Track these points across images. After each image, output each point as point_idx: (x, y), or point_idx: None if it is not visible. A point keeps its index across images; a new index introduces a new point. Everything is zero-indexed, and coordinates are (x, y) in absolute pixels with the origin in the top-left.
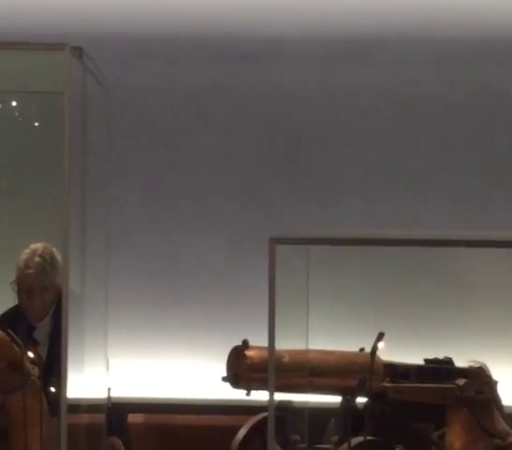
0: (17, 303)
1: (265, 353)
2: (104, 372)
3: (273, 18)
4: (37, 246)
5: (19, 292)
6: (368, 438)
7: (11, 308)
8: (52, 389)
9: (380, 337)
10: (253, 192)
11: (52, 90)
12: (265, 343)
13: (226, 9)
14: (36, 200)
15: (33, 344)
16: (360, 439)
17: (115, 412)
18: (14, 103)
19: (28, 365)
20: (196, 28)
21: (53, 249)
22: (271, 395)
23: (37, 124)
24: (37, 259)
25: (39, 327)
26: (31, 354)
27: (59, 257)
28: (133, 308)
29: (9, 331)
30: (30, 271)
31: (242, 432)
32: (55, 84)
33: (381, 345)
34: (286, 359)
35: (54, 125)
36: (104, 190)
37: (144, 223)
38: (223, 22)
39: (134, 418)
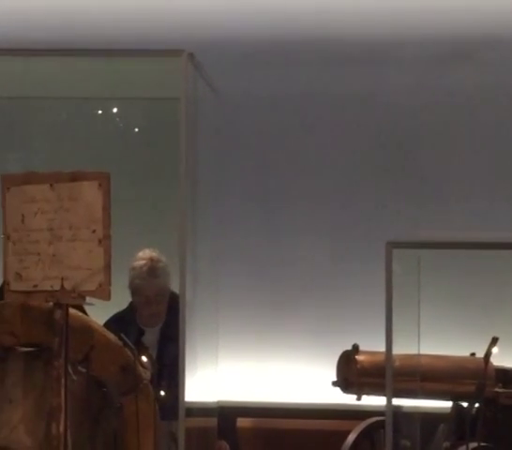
0: (125, 307)
1: (375, 358)
2: (215, 376)
3: (377, 21)
4: (149, 252)
5: (136, 299)
6: (482, 444)
7: (120, 312)
8: (162, 393)
9: (494, 341)
10: (358, 196)
11: (163, 96)
12: (375, 348)
13: (330, 12)
14: (141, 204)
15: (144, 348)
16: (474, 445)
17: (224, 416)
18: (115, 110)
19: (140, 369)
20: (301, 31)
21: (161, 255)
22: (388, 400)
23: (145, 129)
24: (160, 264)
25: (149, 331)
26: (144, 358)
27: (167, 263)
28: (241, 312)
29: (122, 335)
30: (155, 279)
31: (351, 437)
32: (164, 90)
33: (495, 350)
34: (397, 364)
35: (159, 130)
36: (212, 194)
37: (249, 226)
38: (328, 25)
39: (242, 422)
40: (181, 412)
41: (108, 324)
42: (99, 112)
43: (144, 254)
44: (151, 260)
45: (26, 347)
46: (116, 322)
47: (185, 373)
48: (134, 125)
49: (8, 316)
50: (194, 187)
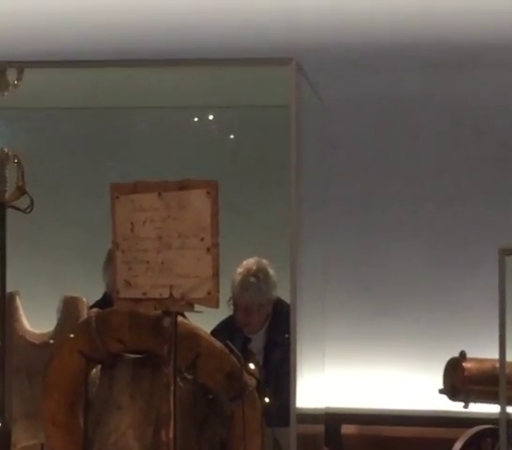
0: (231, 313)
1: (483, 365)
2: (322, 382)
3: (483, 24)
4: (251, 262)
5: (235, 309)
6: None
7: (226, 319)
8: (267, 399)
9: None
10: (467, 201)
11: (267, 104)
12: (482, 355)
13: (436, 17)
14: (248, 212)
15: (251, 355)
16: None
17: (329, 423)
18: (211, 117)
19: (246, 376)
20: (402, 36)
21: (265, 263)
22: (502, 407)
23: (251, 137)
24: (251, 279)
25: (255, 339)
26: (252, 366)
27: (272, 270)
28: (346, 318)
29: (228, 342)
30: (246, 292)
31: (457, 446)
32: (268, 97)
33: None
34: (508, 371)
35: (265, 137)
36: (317, 200)
37: (352, 231)
38: (432, 30)
39: (347, 429)
40: (292, 419)
41: (215, 331)
42: (206, 120)
43: (246, 264)
44: (247, 271)
45: (134, 354)
46: (223, 329)
47: (296, 379)
48: (240, 132)
49: (117, 323)
50: (301, 193)
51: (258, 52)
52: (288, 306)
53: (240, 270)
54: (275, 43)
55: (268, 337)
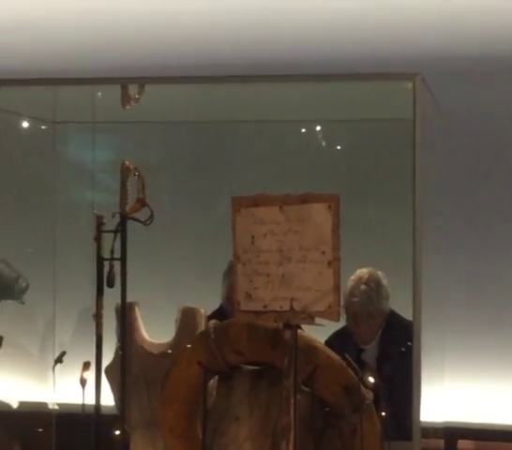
0: (344, 324)
1: None
2: (441, 396)
3: None
4: (364, 272)
5: (347, 318)
6: None
7: (339, 330)
8: (383, 413)
9: None
10: None
11: (387, 117)
12: None
13: None
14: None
15: (368, 368)
16: None
17: (446, 438)
18: (329, 130)
19: (363, 389)
20: None
21: (379, 274)
22: None
23: (371, 151)
24: (362, 287)
25: (367, 350)
26: (371, 379)
27: (385, 281)
28: (465, 332)
29: (346, 355)
30: (355, 299)
31: None
32: (387, 111)
33: None
34: None
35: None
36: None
37: (473, 244)
38: None
39: (464, 444)
40: (415, 433)
41: (329, 341)
42: (324, 133)
43: (359, 273)
44: (359, 279)
45: (251, 365)
46: (337, 339)
47: (420, 393)
48: (360, 146)
49: (235, 335)
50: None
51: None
52: (402, 318)
53: (352, 278)
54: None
55: (381, 349)
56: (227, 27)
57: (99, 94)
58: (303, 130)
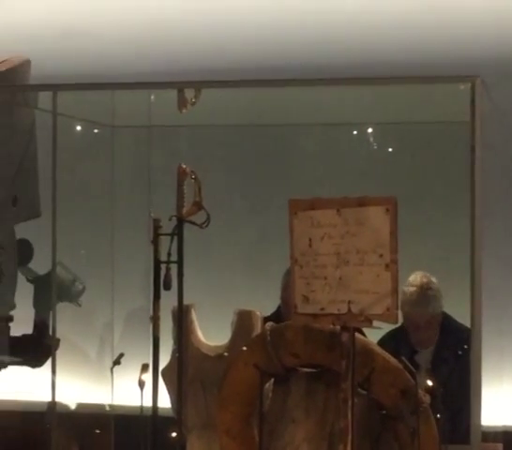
0: (397, 325)
1: None
2: (499, 399)
3: None
4: (421, 275)
5: (406, 324)
6: None
7: (392, 331)
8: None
9: None
10: None
11: (445, 119)
12: None
13: None
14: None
15: (426, 371)
16: None
17: (505, 441)
18: (370, 130)
19: (421, 392)
20: None
21: (434, 278)
22: None
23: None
24: (429, 292)
25: (421, 352)
26: (429, 382)
27: (439, 285)
28: None
29: (403, 358)
30: (416, 308)
31: None
32: (444, 113)
33: None
34: None
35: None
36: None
37: None
38: None
39: None
40: (475, 437)
41: (382, 342)
42: (380, 136)
43: (415, 280)
44: (421, 287)
45: (308, 368)
46: (390, 341)
47: (480, 396)
48: (417, 148)
49: (291, 337)
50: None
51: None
52: (455, 321)
53: (410, 281)
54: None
55: (436, 352)
56: (284, 30)
57: (152, 97)
58: (354, 132)
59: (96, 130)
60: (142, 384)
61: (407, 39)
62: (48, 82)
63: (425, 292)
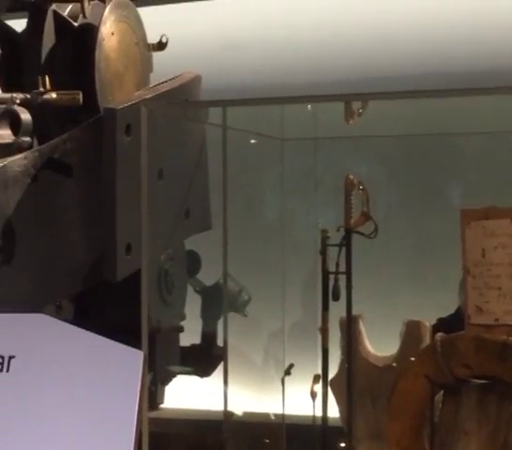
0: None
1: None
2: None
3: None
4: None
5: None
6: None
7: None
8: None
9: None
10: None
11: None
12: None
13: None
14: None
15: None
16: None
17: None
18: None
19: None
20: None
21: None
22: None
23: None
24: None
25: None
26: None
27: None
28: None
29: None
30: None
31: None
32: None
33: None
34: None
35: None
36: None
37: None
38: None
39: None
40: None
41: None
42: None
43: None
44: None
45: (480, 379)
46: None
47: None
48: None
49: (463, 348)
50: None
51: None
52: None
53: None
54: None
55: None
56: (445, 39)
57: (309, 107)
58: None
59: (264, 143)
60: (313, 395)
61: None
62: (215, 95)
63: None
